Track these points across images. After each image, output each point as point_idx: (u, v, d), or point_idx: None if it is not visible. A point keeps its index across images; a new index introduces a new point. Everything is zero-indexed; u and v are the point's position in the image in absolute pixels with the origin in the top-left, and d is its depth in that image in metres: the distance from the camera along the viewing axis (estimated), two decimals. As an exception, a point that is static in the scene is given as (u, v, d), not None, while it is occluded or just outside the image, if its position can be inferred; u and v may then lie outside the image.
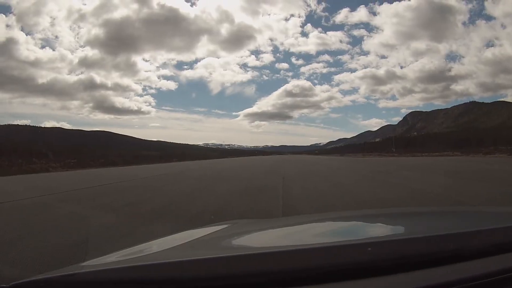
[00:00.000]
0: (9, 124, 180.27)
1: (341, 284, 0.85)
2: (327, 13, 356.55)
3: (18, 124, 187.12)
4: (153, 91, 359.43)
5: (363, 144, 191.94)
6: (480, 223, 1.55)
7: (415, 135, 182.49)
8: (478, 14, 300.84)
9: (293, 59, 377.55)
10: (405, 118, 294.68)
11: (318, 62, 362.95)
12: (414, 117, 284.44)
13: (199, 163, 40.56)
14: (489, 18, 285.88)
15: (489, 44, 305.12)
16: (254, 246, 1.36)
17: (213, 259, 0.95)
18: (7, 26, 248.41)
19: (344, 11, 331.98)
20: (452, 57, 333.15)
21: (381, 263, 0.91)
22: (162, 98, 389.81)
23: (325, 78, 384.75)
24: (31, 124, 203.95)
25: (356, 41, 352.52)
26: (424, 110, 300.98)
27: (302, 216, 4.18)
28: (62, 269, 0.99)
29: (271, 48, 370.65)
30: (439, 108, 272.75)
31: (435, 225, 1.64)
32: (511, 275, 0.88)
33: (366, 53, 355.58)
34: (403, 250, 0.97)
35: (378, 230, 1.60)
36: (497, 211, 2.14)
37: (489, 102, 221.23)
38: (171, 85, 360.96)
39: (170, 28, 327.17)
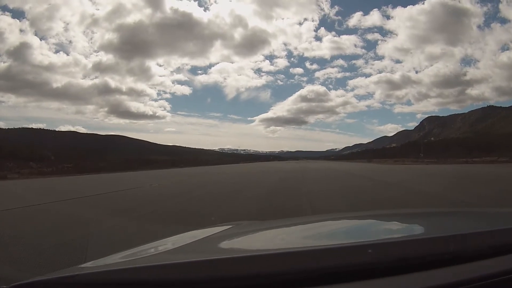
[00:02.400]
0: (22, 128, 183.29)
1: (342, 286, 0.86)
2: (340, 17, 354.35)
3: (31, 128, 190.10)
4: (167, 95, 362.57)
5: (382, 150, 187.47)
6: (481, 224, 1.56)
7: (439, 140, 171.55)
8: (493, 17, 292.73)
9: (307, 64, 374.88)
10: (421, 123, 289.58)
11: (333, 67, 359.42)
12: (430, 122, 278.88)
13: (201, 170, 38.71)
14: (504, 21, 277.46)
15: (505, 48, 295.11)
16: (256, 248, 1.34)
17: (216, 261, 0.96)
18: (21, 31, 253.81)
19: (357, 15, 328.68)
20: (467, 61, 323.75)
21: (382, 264, 0.91)
22: (177, 103, 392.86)
23: (340, 83, 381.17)
24: (46, 128, 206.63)
25: (370, 46, 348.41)
26: (440, 115, 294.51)
27: (303, 217, 4.07)
28: (62, 270, 1.00)
29: (285, 53, 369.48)
30: (456, 113, 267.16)
31: (435, 226, 1.62)
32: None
33: (380, 58, 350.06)
34: (404, 251, 0.97)
35: (379, 232, 1.61)
36: (498, 212, 2.12)
37: (507, 106, 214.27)
38: (186, 90, 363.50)
39: (183, 32, 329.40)
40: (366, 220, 1.93)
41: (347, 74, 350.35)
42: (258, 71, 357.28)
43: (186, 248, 1.28)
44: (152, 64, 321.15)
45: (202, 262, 0.95)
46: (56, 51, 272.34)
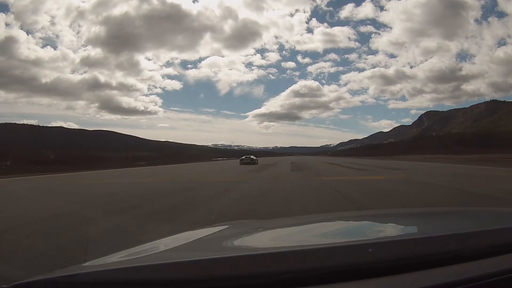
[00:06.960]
0: (6, 123, 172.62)
1: (342, 285, 0.86)
2: (331, 8, 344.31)
3: (15, 123, 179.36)
4: (158, 90, 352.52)
5: (385, 144, 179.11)
6: (481, 223, 1.56)
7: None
8: (491, 10, 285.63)
9: (300, 58, 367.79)
10: (420, 118, 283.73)
11: (325, 61, 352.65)
12: (429, 117, 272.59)
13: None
14: (501, 14, 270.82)
15: (501, 43, 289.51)
16: (255, 247, 1.35)
17: (215, 260, 0.96)
18: (7, 24, 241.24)
19: (349, 6, 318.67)
20: (463, 56, 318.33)
21: (382, 264, 0.91)
22: (169, 98, 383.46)
23: (333, 78, 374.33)
24: (38, 124, 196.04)
25: (364, 39, 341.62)
26: (439, 110, 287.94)
27: (303, 216, 4.00)
28: (63, 269, 1.00)
29: (276, 46, 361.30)
30: (456, 108, 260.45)
31: (435, 225, 1.63)
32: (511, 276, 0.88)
33: (374, 52, 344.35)
34: (404, 251, 0.98)
35: (379, 231, 1.61)
36: (498, 211, 2.12)
37: (510, 101, 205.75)
38: (176, 85, 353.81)
39: (172, 25, 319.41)
40: (366, 219, 1.91)
41: (340, 68, 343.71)
42: (250, 65, 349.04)
43: (185, 247, 1.27)
44: (141, 58, 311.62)
45: (201, 261, 0.95)
46: (44, 45, 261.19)
